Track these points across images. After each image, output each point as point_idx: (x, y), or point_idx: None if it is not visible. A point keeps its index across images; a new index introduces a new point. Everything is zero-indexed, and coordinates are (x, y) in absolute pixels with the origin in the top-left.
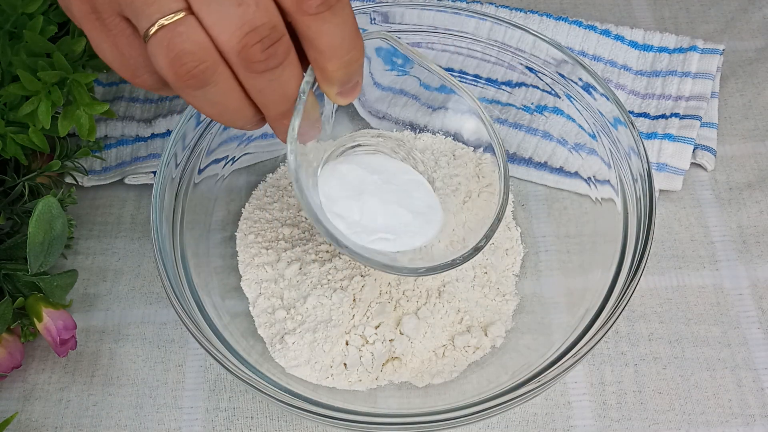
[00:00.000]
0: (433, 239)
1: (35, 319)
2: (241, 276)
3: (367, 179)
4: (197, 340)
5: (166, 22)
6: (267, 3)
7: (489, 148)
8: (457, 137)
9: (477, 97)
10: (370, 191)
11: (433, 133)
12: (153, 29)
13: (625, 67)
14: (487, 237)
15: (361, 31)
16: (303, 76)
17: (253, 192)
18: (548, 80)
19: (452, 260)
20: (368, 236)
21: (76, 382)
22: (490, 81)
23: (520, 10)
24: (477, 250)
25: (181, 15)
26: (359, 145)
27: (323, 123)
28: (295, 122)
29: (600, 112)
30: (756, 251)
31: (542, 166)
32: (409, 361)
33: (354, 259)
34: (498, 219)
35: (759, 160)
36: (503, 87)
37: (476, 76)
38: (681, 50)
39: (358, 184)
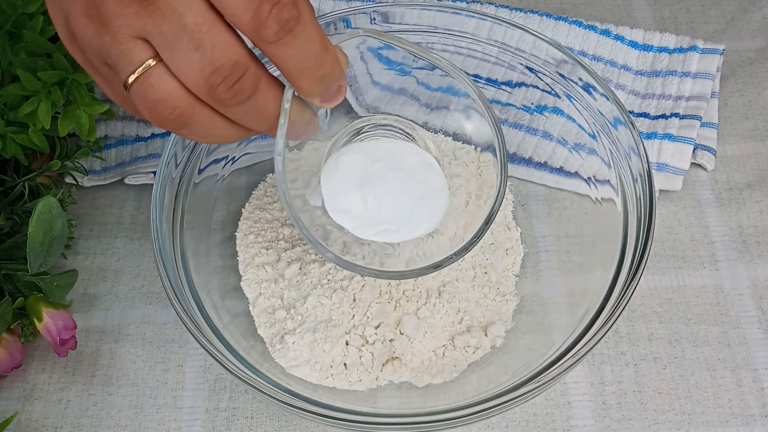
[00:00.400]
0: (438, 228)
1: (35, 319)
2: (241, 276)
3: (371, 168)
4: (197, 340)
5: (139, 74)
6: (225, 40)
7: (489, 148)
8: (456, 136)
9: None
10: (374, 181)
11: (435, 132)
12: (130, 80)
13: (625, 67)
14: (472, 244)
15: (357, 29)
16: (282, 92)
17: (253, 192)
18: (548, 80)
19: (435, 263)
20: (372, 229)
21: (76, 382)
22: (490, 81)
23: (520, 10)
24: (465, 250)
25: (152, 64)
26: (363, 130)
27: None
28: (282, 131)
29: (600, 112)
30: (756, 251)
31: (542, 166)
32: (409, 361)
33: (339, 266)
34: (488, 220)
35: (759, 160)
36: (503, 87)
37: (476, 76)
38: (681, 50)
39: (361, 175)
